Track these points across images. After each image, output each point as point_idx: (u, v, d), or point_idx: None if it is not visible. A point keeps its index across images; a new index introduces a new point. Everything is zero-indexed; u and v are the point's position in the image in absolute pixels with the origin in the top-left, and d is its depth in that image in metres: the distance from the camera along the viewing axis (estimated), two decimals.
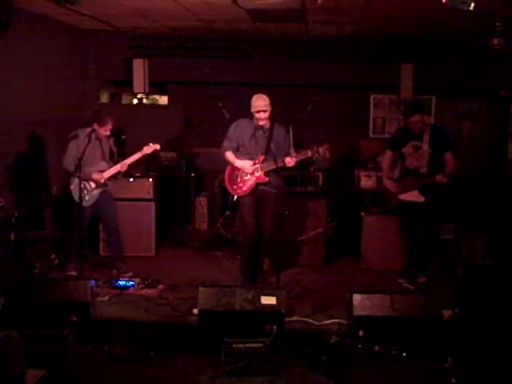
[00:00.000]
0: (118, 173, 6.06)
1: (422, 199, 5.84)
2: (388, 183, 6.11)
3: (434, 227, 6.15)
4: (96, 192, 6.02)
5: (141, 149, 6.04)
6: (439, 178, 5.71)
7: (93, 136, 5.81)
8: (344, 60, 8.26)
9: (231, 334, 4.23)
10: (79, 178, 5.61)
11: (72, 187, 5.88)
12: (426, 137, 5.81)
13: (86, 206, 5.95)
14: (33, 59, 6.83)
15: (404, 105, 6.87)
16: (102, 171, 5.99)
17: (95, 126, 5.87)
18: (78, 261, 5.75)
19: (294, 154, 5.52)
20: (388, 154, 6.18)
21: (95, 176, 5.93)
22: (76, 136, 5.93)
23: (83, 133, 5.89)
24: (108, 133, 6.00)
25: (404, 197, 5.96)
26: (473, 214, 6.79)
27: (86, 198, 5.94)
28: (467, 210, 6.88)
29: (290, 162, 5.43)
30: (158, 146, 6.09)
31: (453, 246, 6.74)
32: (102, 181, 5.99)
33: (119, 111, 8.33)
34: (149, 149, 6.04)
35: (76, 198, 5.77)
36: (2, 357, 3.39)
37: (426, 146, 5.80)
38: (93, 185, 6.00)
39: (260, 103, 5.45)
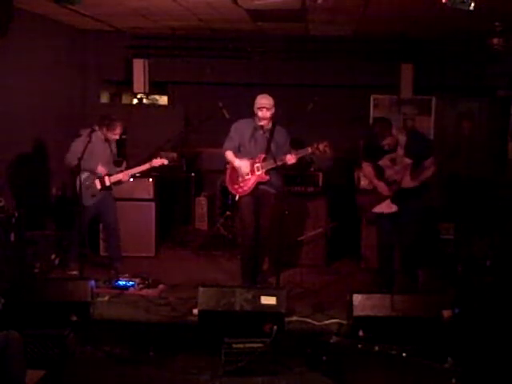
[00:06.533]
0: (120, 181, 6.11)
1: (393, 209, 5.35)
2: (380, 185, 5.45)
3: (432, 230, 6.06)
4: (100, 193, 6.04)
5: (150, 160, 6.12)
6: (406, 182, 5.22)
7: (95, 136, 5.83)
8: (344, 60, 8.24)
9: (231, 334, 4.24)
10: (79, 176, 5.63)
11: (77, 186, 5.85)
12: (401, 147, 5.24)
13: (88, 205, 5.96)
14: (33, 59, 6.82)
15: (373, 122, 6.18)
16: (110, 175, 6.04)
17: (104, 130, 5.97)
18: (78, 260, 5.72)
19: (295, 152, 5.52)
20: (367, 167, 5.60)
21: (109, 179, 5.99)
22: (80, 135, 5.95)
23: (85, 132, 5.90)
24: (117, 137, 6.11)
25: (376, 209, 5.48)
26: (473, 213, 6.79)
27: (90, 197, 5.96)
28: (467, 209, 6.87)
29: (290, 159, 5.44)
30: (166, 161, 6.18)
31: (453, 246, 6.74)
32: (108, 184, 6.03)
33: (119, 111, 8.33)
34: (157, 162, 6.12)
35: (81, 198, 5.79)
36: (2, 357, 3.39)
37: (403, 158, 5.25)
38: (98, 186, 6.02)
39: (264, 101, 5.51)
